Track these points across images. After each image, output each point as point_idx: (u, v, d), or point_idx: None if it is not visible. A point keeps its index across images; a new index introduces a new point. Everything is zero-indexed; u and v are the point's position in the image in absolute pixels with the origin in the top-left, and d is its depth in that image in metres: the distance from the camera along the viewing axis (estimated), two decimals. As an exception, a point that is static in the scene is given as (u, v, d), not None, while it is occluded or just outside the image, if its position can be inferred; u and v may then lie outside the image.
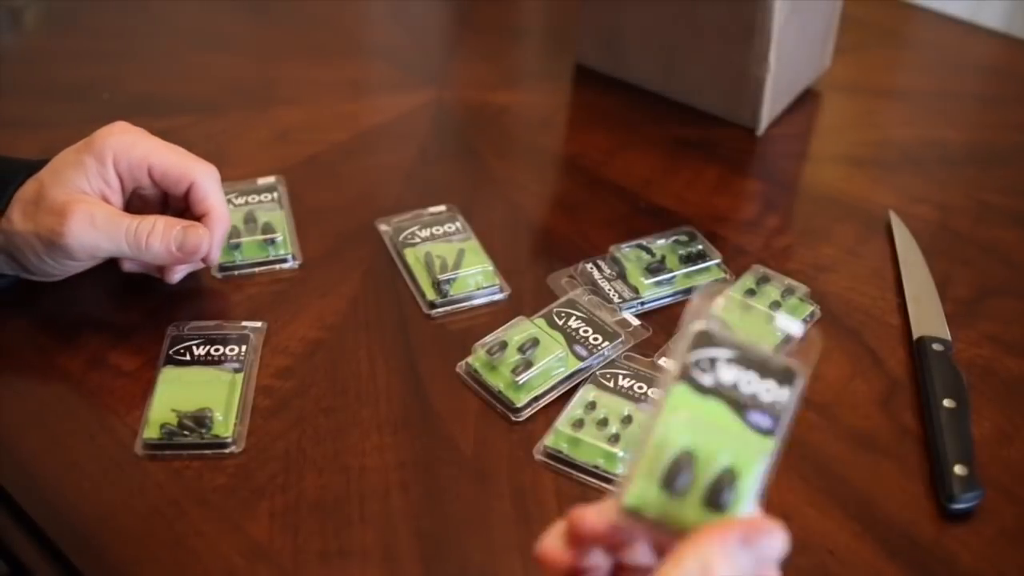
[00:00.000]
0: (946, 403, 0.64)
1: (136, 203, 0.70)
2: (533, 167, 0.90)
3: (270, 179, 0.82)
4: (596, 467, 0.60)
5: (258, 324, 0.69)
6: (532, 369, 0.65)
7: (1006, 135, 0.96)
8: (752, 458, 0.40)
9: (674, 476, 0.39)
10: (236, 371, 0.65)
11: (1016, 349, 0.71)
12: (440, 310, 0.71)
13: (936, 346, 0.68)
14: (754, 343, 0.41)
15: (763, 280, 0.74)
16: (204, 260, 0.69)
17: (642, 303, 0.72)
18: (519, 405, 0.64)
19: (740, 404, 0.41)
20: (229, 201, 0.76)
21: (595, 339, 0.68)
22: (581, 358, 0.67)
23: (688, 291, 0.73)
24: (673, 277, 0.74)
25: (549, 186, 0.89)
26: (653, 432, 0.40)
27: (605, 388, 0.65)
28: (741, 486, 0.39)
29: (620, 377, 0.65)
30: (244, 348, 0.67)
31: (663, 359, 0.68)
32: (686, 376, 0.41)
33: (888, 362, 0.69)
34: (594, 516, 0.40)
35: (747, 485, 0.39)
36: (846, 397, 0.67)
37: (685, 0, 0.88)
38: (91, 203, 0.65)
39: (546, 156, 0.92)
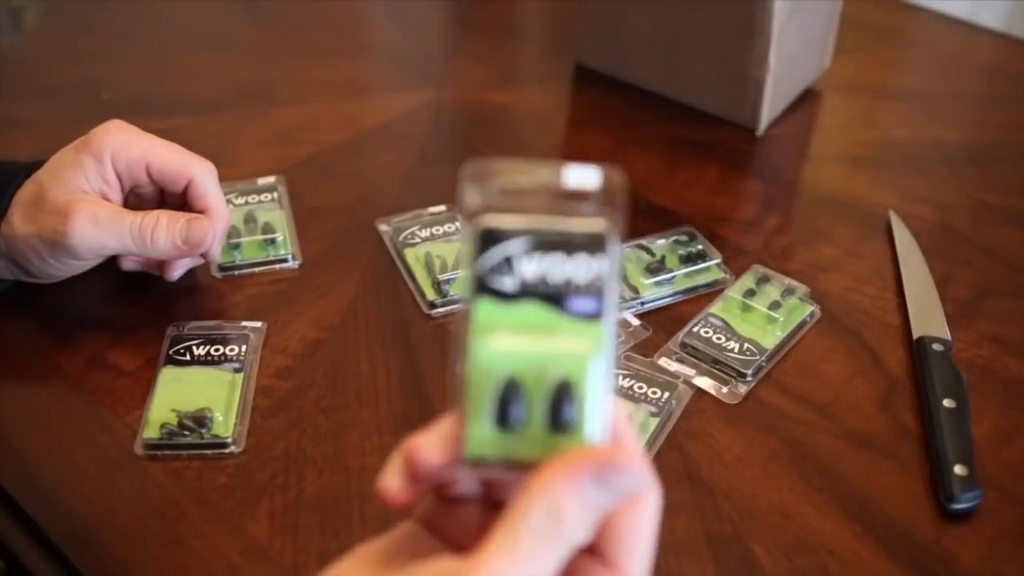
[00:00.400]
0: (946, 403, 0.64)
1: (132, 201, 0.70)
2: (533, 167, 0.90)
3: (270, 179, 0.82)
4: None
5: (258, 324, 0.69)
6: (532, 369, 0.65)
7: (1006, 135, 0.96)
8: (585, 357, 0.34)
9: (505, 411, 0.34)
10: (236, 371, 0.65)
11: (1016, 349, 0.71)
12: (440, 310, 0.71)
13: (936, 346, 0.68)
14: (546, 217, 0.35)
15: (763, 280, 0.74)
16: (205, 256, 0.69)
17: (642, 303, 0.72)
18: (519, 405, 0.64)
19: (556, 296, 0.35)
20: (229, 201, 0.76)
21: (595, 339, 0.68)
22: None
23: (688, 291, 0.73)
24: (673, 277, 0.74)
25: (549, 186, 0.89)
26: (468, 367, 0.34)
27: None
28: (582, 395, 0.34)
29: (620, 377, 0.65)
30: (244, 348, 0.67)
31: (663, 359, 0.68)
32: (484, 288, 0.35)
33: (888, 362, 0.69)
34: (432, 452, 0.35)
35: (589, 392, 0.34)
36: (846, 397, 0.67)
37: (685, 0, 0.88)
38: (93, 202, 0.65)
39: (546, 156, 0.92)
